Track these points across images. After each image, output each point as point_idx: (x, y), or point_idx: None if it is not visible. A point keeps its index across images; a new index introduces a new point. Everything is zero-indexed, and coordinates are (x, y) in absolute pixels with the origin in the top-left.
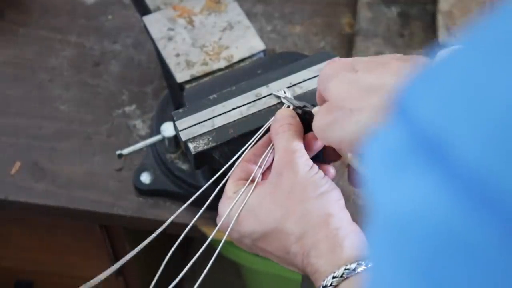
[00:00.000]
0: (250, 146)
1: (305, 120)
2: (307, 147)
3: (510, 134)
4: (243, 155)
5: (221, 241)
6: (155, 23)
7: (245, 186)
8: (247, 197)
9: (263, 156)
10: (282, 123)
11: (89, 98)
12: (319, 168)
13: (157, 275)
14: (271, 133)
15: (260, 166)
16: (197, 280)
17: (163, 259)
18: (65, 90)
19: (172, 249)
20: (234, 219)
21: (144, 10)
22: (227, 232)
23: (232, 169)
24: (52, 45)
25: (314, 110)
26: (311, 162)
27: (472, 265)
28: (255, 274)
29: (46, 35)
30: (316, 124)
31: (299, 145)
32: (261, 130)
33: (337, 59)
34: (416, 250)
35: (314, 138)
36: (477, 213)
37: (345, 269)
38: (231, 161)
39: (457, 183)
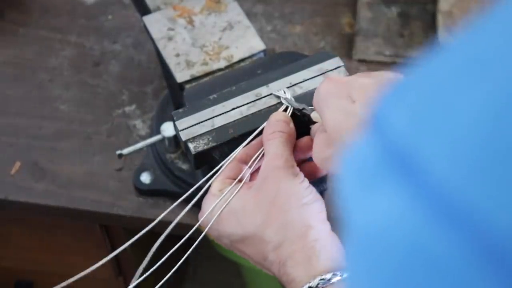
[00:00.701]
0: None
1: (303, 123)
2: (302, 150)
3: (476, 149)
4: (236, 154)
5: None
6: (155, 23)
7: (231, 185)
8: (230, 197)
9: (254, 157)
10: (274, 130)
11: (89, 98)
12: (313, 169)
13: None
14: (263, 137)
15: (250, 167)
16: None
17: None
18: (65, 90)
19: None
20: (213, 219)
21: (144, 10)
22: (206, 229)
23: (223, 166)
24: (52, 45)
25: (313, 115)
26: (297, 170)
27: (437, 279)
28: (255, 274)
29: (46, 35)
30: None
31: (287, 153)
32: (259, 129)
33: (332, 78)
34: (386, 262)
35: (309, 141)
36: (442, 227)
37: (320, 279)
38: (230, 160)
39: (425, 197)
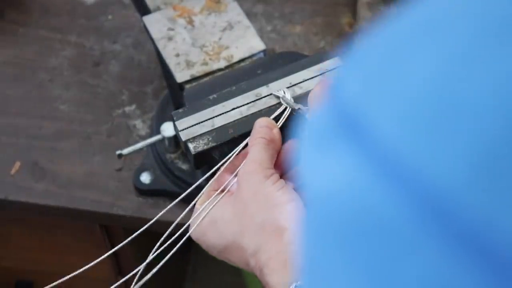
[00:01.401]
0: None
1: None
2: (288, 152)
3: (421, 110)
4: (223, 166)
5: None
6: (155, 23)
7: (212, 196)
8: (209, 208)
9: (240, 166)
10: (255, 136)
11: (89, 98)
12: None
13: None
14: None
15: (235, 176)
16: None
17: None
18: (65, 90)
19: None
20: (191, 229)
21: (144, 10)
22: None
23: (224, 165)
24: (52, 45)
25: (308, 116)
26: (270, 172)
27: (384, 239)
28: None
29: (46, 35)
30: None
31: (263, 157)
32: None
33: (327, 80)
34: (335, 224)
35: (296, 144)
36: (389, 188)
37: (295, 286)
38: (229, 159)
39: (373, 159)
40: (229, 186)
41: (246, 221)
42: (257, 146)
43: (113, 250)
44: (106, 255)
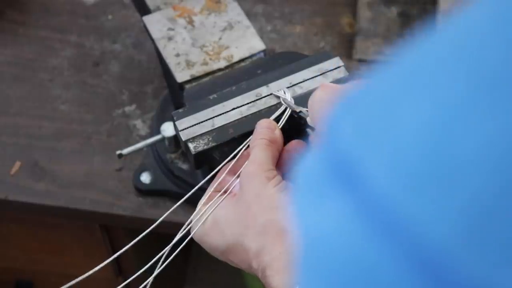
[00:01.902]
0: (246, 146)
1: (299, 125)
2: (290, 153)
3: (414, 162)
4: (225, 167)
5: None
6: (155, 23)
7: (215, 198)
8: (211, 210)
9: (243, 167)
10: (257, 137)
11: (89, 98)
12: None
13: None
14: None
15: (238, 177)
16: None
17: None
18: (65, 90)
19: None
20: (194, 230)
21: (144, 10)
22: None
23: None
24: (52, 45)
25: (308, 119)
26: (272, 174)
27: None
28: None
29: (46, 35)
30: None
31: (264, 158)
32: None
33: (327, 85)
34: (325, 273)
35: (298, 144)
36: (379, 239)
37: None
38: (229, 158)
39: (365, 209)
40: (232, 188)
41: (249, 222)
42: (258, 147)
43: (117, 254)
44: (110, 259)
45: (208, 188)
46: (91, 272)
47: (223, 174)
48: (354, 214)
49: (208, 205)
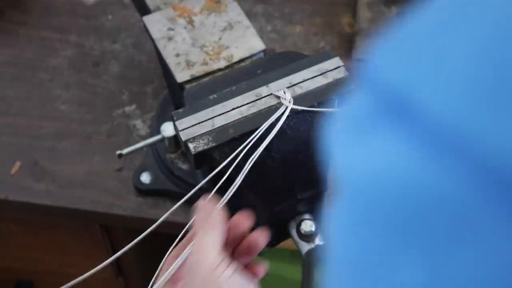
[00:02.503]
0: (248, 145)
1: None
2: (235, 228)
3: (469, 81)
4: (173, 254)
5: None
6: (155, 23)
7: (158, 283)
8: None
9: (187, 253)
10: (199, 223)
11: (89, 98)
12: (252, 244)
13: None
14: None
15: (181, 265)
16: None
17: (163, 259)
18: (65, 90)
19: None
20: None
21: (144, 10)
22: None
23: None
24: (52, 45)
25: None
26: (219, 259)
27: (442, 218)
28: None
29: (46, 35)
30: None
31: (210, 243)
32: (259, 129)
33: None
34: (384, 210)
35: (241, 217)
36: (443, 164)
37: None
38: (228, 159)
39: (422, 137)
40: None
41: None
42: (201, 233)
43: (117, 255)
44: (109, 260)
45: (160, 278)
46: (91, 272)
47: (171, 263)
48: (410, 144)
49: None
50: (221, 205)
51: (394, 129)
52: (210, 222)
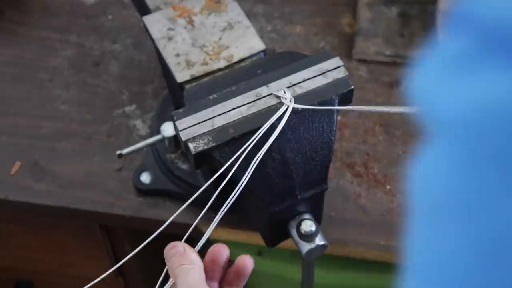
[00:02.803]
0: (251, 145)
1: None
2: (215, 260)
3: None
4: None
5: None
6: (155, 23)
7: None
8: None
9: None
10: (174, 266)
11: (89, 98)
12: (240, 269)
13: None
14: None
15: None
16: None
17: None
18: (65, 90)
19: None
20: None
21: (144, 10)
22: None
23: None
24: (52, 45)
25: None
26: None
27: None
28: (255, 274)
29: (46, 35)
30: None
31: (196, 277)
32: (261, 130)
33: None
34: (496, 145)
35: (220, 248)
36: None
37: None
38: (231, 160)
39: None
40: None
41: None
42: (181, 276)
43: (122, 261)
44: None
45: None
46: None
47: None
48: None
49: None
50: (225, 209)
51: (503, 64)
52: (188, 259)
